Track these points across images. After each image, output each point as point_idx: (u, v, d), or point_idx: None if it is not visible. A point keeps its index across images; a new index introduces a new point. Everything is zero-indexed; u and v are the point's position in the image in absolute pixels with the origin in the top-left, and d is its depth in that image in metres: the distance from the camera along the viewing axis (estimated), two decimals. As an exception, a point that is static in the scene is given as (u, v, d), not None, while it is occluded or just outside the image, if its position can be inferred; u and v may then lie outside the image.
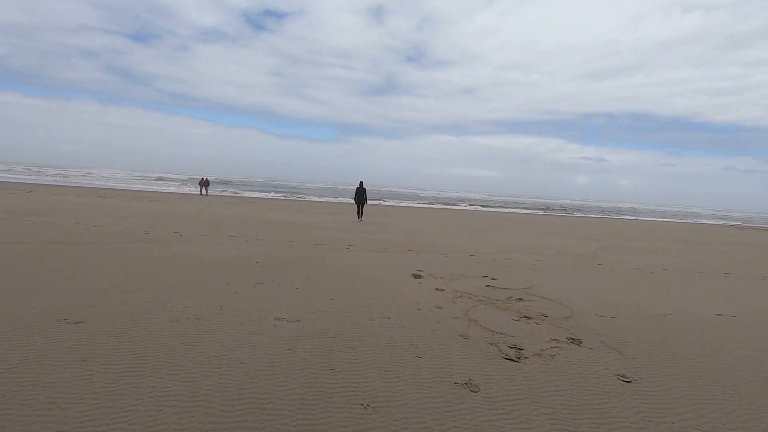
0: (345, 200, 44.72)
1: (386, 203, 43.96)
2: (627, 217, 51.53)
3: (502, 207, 55.91)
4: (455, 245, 13.40)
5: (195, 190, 40.90)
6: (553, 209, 60.10)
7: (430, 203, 52.86)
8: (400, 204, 46.69)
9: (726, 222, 55.92)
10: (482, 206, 54.27)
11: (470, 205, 55.67)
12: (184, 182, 57.92)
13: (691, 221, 52.79)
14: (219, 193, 41.21)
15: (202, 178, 36.53)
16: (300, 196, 48.86)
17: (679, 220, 52.47)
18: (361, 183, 21.65)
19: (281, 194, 49.56)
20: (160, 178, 64.96)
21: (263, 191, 52.54)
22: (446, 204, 53.55)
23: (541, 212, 50.32)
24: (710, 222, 53.63)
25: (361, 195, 21.50)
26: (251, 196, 41.93)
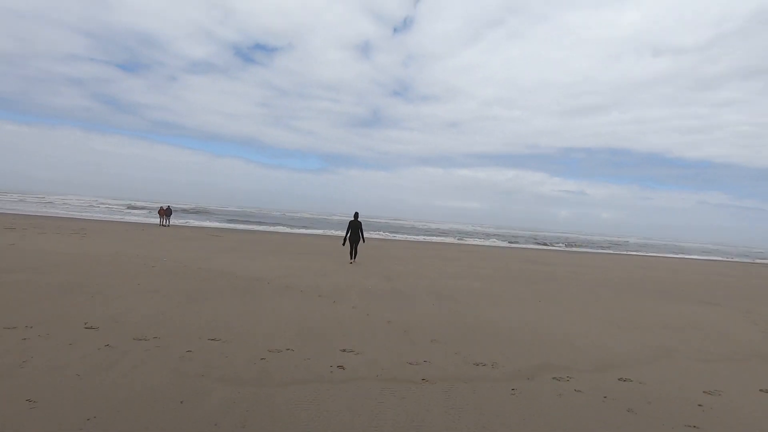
0: (334, 233, 38.32)
1: (380, 236, 37.81)
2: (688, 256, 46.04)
3: (533, 244, 50.05)
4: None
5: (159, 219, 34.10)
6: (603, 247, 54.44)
7: (429, 235, 46.73)
8: (396, 237, 40.49)
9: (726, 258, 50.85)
10: (509, 243, 48.34)
11: (476, 237, 49.63)
12: (152, 211, 51.07)
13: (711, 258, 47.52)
14: (185, 224, 34.54)
15: (162, 207, 29.91)
16: (281, 227, 42.29)
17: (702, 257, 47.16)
18: (356, 215, 15.72)
19: (262, 225, 42.94)
20: (129, 206, 57.88)
21: (243, 222, 45.89)
22: (449, 237, 47.43)
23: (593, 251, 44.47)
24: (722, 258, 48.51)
25: (355, 230, 15.50)
26: (222, 227, 35.30)
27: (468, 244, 37.15)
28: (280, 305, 7.31)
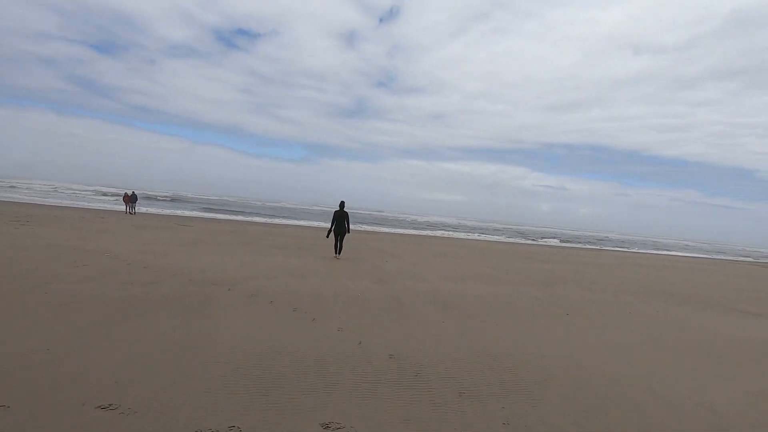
0: (316, 224, 36.06)
1: (366, 228, 35.71)
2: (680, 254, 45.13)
3: (521, 239, 48.61)
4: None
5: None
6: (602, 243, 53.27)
7: (416, 228, 44.83)
8: (383, 230, 38.43)
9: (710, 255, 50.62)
10: (503, 237, 46.75)
11: (467, 232, 47.95)
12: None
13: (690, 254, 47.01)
14: (157, 212, 31.80)
15: (126, 193, 27.19)
16: (260, 217, 39.78)
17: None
18: (342, 205, 13.81)
19: (240, 215, 40.37)
20: (100, 193, 54.32)
21: (219, 211, 43.21)
22: (437, 229, 45.63)
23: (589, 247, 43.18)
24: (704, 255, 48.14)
25: (341, 222, 13.56)
26: (195, 216, 32.69)
27: (457, 238, 35.39)
28: (235, 330, 5.21)
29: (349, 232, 13.96)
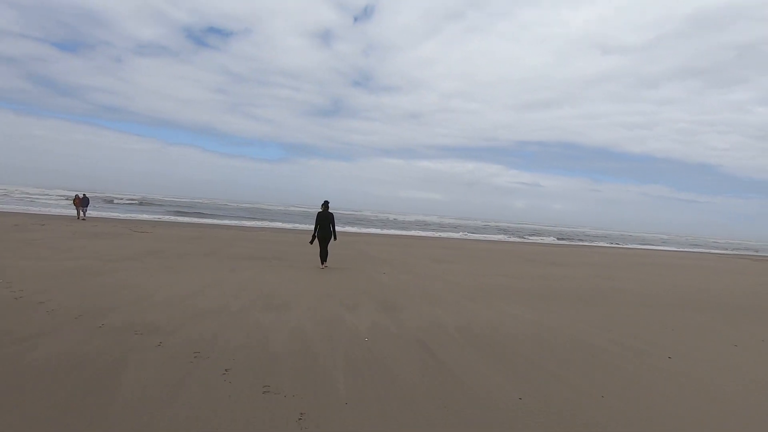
0: (295, 226, 33.12)
1: (348, 230, 32.97)
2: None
3: (514, 237, 46.59)
4: None
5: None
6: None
7: (401, 229, 42.28)
8: (367, 231, 35.74)
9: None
10: (522, 237, 44.63)
11: (455, 231, 45.67)
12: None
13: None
14: (118, 216, 28.26)
15: (77, 195, 23.71)
16: (232, 220, 36.53)
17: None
18: (326, 205, 11.36)
19: (210, 218, 37.06)
20: (63, 197, 49.74)
21: (189, 214, 39.73)
22: (428, 230, 43.17)
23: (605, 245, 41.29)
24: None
25: (325, 225, 11.20)
26: (160, 220, 29.30)
27: (448, 238, 33.01)
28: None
29: (335, 238, 11.47)
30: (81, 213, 23.37)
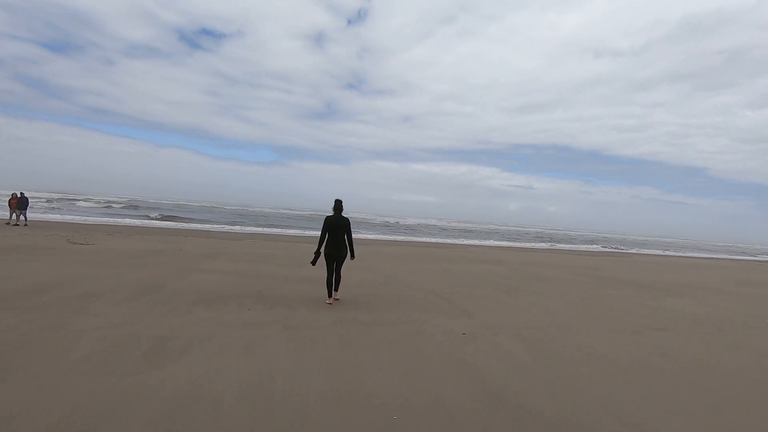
0: (287, 233, 28.09)
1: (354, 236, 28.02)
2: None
3: (531, 242, 41.81)
4: None
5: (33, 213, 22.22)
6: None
7: (405, 234, 37.25)
8: (370, 236, 30.67)
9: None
10: (509, 242, 39.75)
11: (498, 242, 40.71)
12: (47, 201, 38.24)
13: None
14: (75, 220, 23.00)
15: (14, 195, 18.48)
16: (214, 225, 31.36)
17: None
18: (340, 206, 7.31)
19: (187, 223, 31.94)
20: (44, 199, 44.18)
21: (167, 218, 34.46)
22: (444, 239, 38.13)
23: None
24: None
25: (338, 237, 7.09)
26: (127, 225, 24.05)
27: (474, 247, 27.99)
28: None
29: (353, 256, 7.25)
30: (17, 216, 18.17)
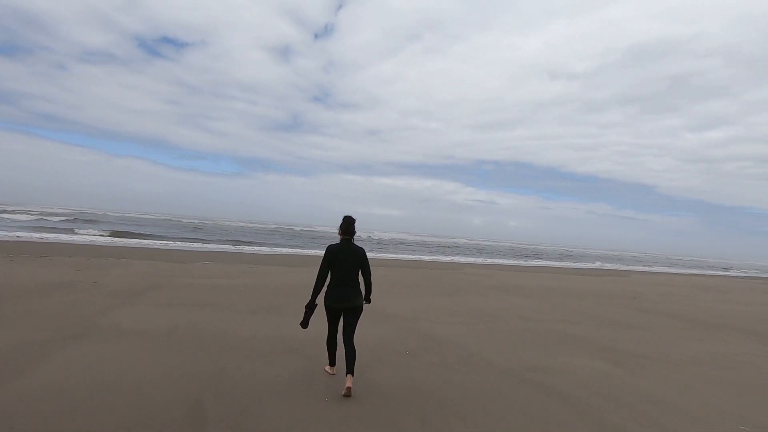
0: (250, 251, 23.82)
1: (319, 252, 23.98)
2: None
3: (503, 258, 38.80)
4: None
5: None
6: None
7: (386, 251, 33.46)
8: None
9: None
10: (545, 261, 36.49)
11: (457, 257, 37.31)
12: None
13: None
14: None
15: None
16: (166, 241, 26.55)
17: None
18: (351, 227, 4.20)
19: (137, 239, 26.98)
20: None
21: (126, 235, 29.16)
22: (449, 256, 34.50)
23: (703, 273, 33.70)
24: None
25: (349, 276, 4.05)
26: (40, 242, 19.00)
27: (465, 264, 24.48)
28: None
29: (369, 300, 4.39)
30: None
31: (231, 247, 25.83)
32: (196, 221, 75.44)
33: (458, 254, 37.72)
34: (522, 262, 33.21)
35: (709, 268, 50.96)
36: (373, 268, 4.58)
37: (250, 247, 26.63)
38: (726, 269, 52.47)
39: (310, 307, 4.01)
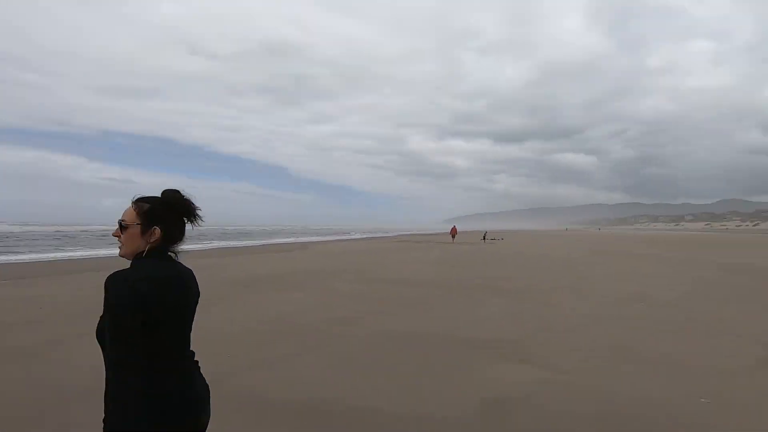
0: None
1: None
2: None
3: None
4: None
5: None
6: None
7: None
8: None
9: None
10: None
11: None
12: None
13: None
14: None
15: None
16: None
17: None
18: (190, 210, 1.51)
19: None
20: None
21: None
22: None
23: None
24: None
25: (188, 338, 1.43)
26: None
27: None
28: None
29: None
30: None
31: None
32: None
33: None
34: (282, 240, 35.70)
35: (345, 234, 68.32)
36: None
37: None
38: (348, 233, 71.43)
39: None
